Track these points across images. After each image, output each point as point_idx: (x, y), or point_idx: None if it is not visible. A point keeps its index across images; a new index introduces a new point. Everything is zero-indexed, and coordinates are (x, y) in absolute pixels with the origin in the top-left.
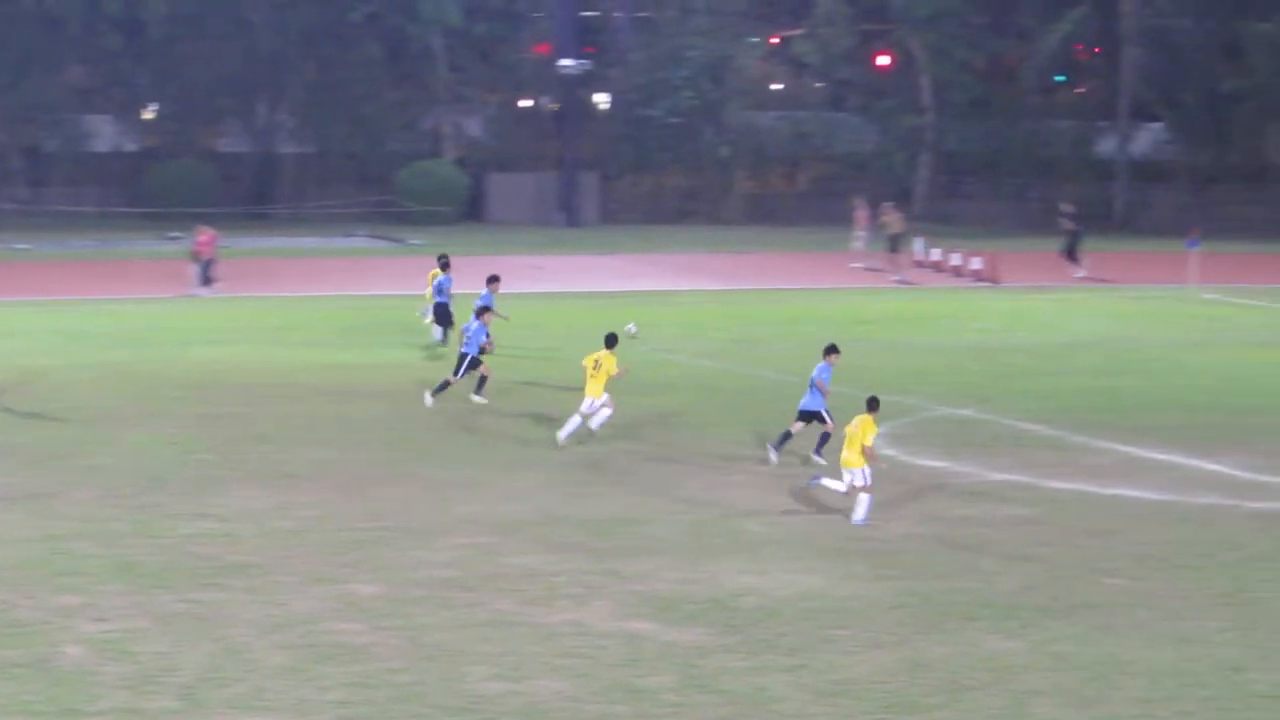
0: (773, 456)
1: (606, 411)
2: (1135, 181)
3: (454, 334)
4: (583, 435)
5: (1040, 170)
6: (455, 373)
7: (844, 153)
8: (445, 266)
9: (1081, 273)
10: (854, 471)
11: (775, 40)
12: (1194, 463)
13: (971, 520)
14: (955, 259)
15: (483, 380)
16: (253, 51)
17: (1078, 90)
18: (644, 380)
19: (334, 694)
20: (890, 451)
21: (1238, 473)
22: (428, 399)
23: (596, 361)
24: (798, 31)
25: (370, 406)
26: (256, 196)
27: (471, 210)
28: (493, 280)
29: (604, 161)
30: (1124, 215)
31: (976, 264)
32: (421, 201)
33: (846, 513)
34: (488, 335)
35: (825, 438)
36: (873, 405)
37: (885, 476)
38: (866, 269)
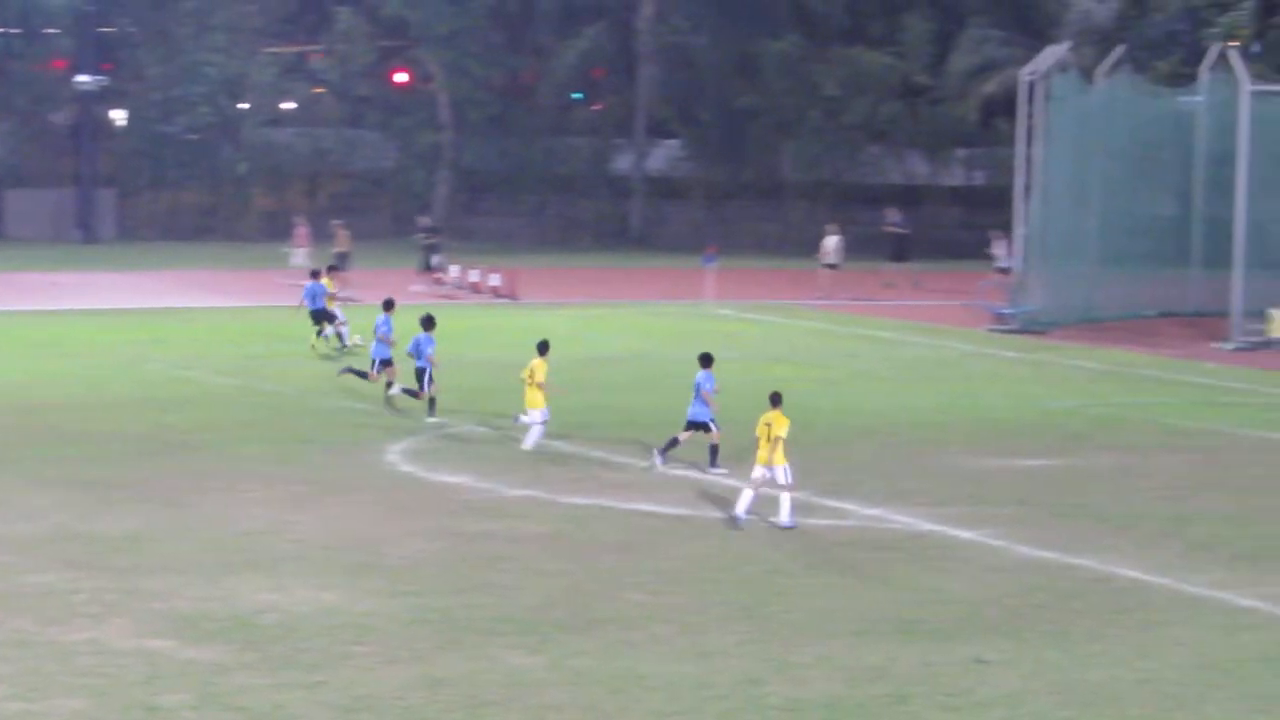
0: (658, 462)
1: (539, 429)
2: (652, 198)
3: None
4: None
5: (558, 187)
6: (422, 387)
7: (363, 169)
8: (316, 275)
9: (441, 280)
10: (775, 469)
11: (271, 49)
12: (712, 477)
13: (491, 536)
14: (474, 275)
15: (429, 401)
16: None
17: (595, 107)
18: (161, 397)
19: None
20: (409, 468)
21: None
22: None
23: (531, 371)
24: (316, 47)
25: None
26: None
27: None
28: (389, 305)
29: (122, 178)
30: (641, 231)
31: (495, 280)
32: None
33: (766, 515)
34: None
35: (714, 450)
36: (776, 400)
37: (406, 493)
38: (294, 285)
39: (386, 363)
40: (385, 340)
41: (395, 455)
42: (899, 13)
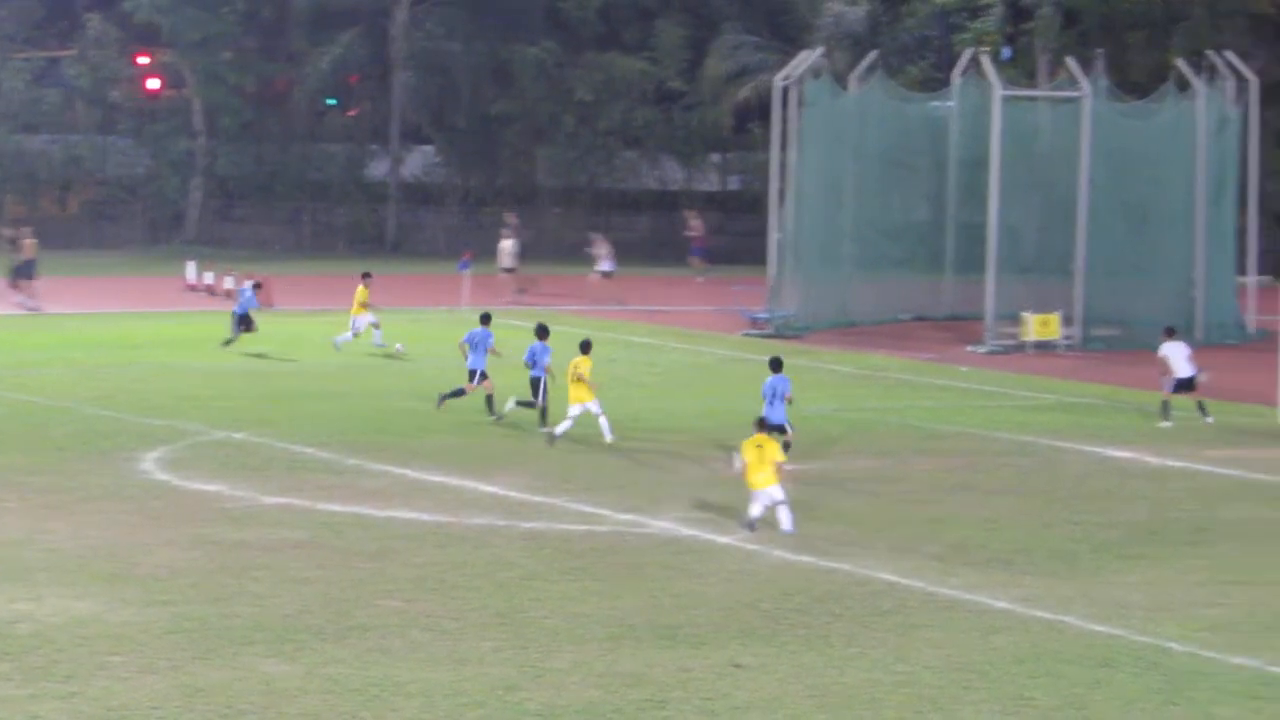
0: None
1: (604, 420)
2: (407, 204)
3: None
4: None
5: (313, 194)
6: (536, 397)
7: (116, 176)
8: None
9: (31, 302)
10: (770, 490)
11: (23, 55)
12: (469, 484)
13: (246, 544)
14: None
15: (531, 403)
16: None
17: (350, 113)
18: None
19: None
20: (164, 476)
21: (511, 493)
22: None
23: (575, 368)
24: (68, 53)
25: None
26: None
27: None
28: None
29: None
30: (396, 238)
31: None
32: None
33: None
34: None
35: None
36: (763, 425)
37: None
38: None
39: (483, 375)
40: (489, 350)
41: (150, 464)
42: (653, 19)
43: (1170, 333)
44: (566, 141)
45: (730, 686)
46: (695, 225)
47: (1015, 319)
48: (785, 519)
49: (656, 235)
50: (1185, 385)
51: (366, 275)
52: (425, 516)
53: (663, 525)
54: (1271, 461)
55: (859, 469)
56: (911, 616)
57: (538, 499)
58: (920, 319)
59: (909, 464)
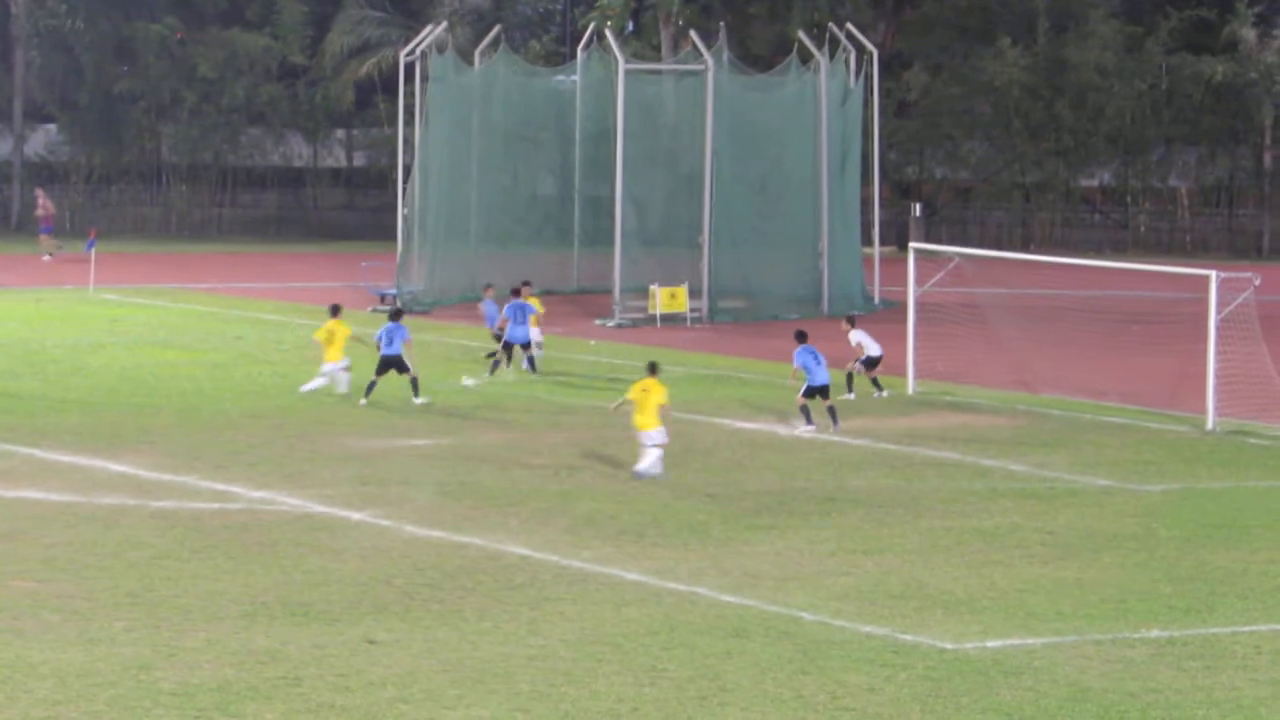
0: (808, 429)
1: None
2: (32, 183)
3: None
4: None
5: None
6: (407, 369)
7: None
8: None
9: None
10: (651, 433)
11: None
12: (99, 463)
13: None
14: None
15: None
16: None
17: None
18: None
19: None
20: None
21: (142, 472)
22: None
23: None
24: None
25: None
26: None
27: None
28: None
29: None
30: (21, 217)
31: None
32: None
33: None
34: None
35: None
36: (654, 369)
37: None
38: None
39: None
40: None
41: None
42: None
43: (852, 320)
44: (190, 119)
45: (364, 663)
46: (45, 204)
47: (643, 292)
48: (651, 461)
49: (283, 212)
50: (873, 363)
51: (526, 284)
52: (54, 497)
53: (295, 503)
54: (898, 431)
55: (490, 443)
56: (544, 590)
57: (168, 478)
58: (548, 293)
59: (540, 438)
